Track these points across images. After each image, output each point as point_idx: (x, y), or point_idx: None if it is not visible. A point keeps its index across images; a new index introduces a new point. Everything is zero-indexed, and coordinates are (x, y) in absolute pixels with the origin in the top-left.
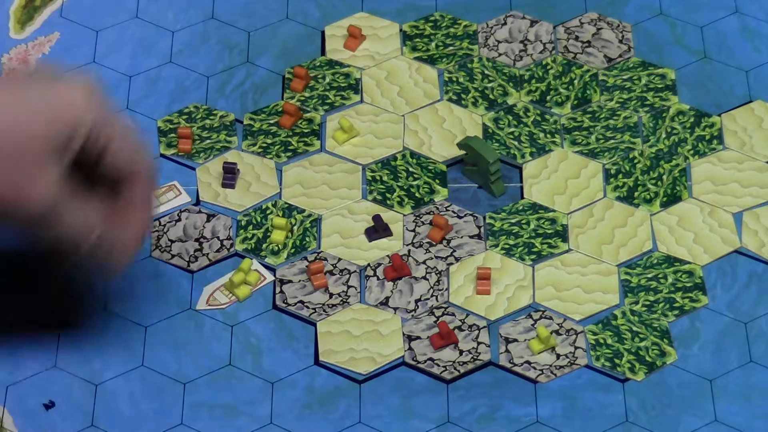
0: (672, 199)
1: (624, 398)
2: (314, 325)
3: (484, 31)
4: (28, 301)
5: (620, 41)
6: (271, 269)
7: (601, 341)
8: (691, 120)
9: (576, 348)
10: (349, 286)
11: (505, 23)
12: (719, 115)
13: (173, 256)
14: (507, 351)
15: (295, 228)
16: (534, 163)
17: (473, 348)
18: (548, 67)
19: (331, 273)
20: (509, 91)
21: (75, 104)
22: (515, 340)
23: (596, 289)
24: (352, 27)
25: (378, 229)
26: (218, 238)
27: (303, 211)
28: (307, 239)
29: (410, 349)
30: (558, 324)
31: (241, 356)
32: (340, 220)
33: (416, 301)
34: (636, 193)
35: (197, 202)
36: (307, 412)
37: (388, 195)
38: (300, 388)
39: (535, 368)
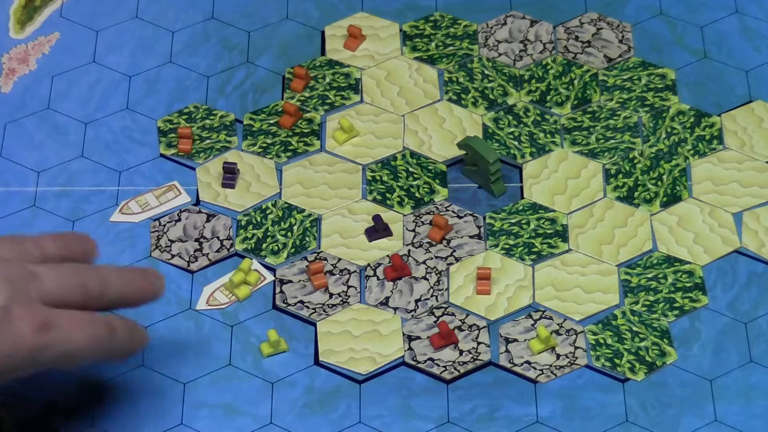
0: (672, 199)
1: (624, 398)
2: (314, 325)
3: (484, 31)
4: None
5: (620, 41)
6: (271, 269)
7: (601, 341)
8: (691, 120)
9: (576, 348)
10: (349, 286)
11: (505, 23)
12: (719, 115)
13: (173, 256)
14: (507, 351)
15: (295, 228)
16: (534, 163)
17: (473, 348)
18: (548, 67)
19: (331, 273)
20: (509, 91)
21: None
22: (515, 340)
23: (596, 289)
24: (352, 27)
25: (378, 229)
26: (218, 238)
27: (303, 211)
28: (307, 239)
29: (410, 349)
30: (558, 324)
31: (241, 356)
32: (340, 220)
33: (416, 301)
34: (636, 193)
35: (197, 202)
36: (307, 412)
37: (388, 195)
38: (300, 388)
39: (535, 368)
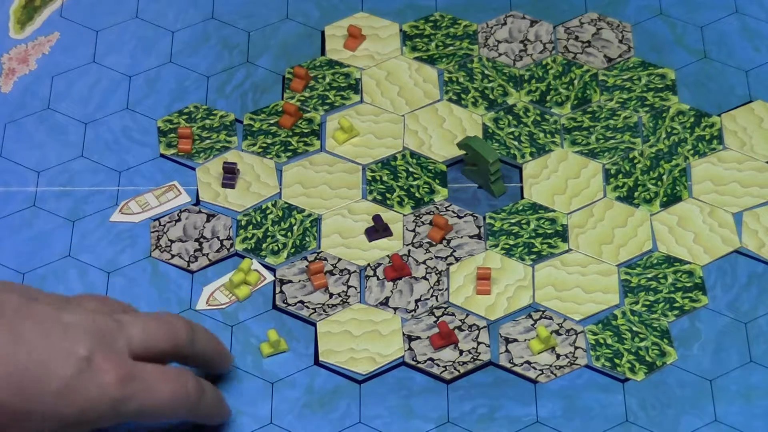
0: (672, 199)
1: (624, 398)
2: (314, 325)
3: (484, 31)
4: None
5: (620, 41)
6: (271, 269)
7: (601, 341)
8: (691, 120)
9: (576, 348)
10: (349, 286)
11: (505, 23)
12: (719, 115)
13: (173, 256)
14: (507, 351)
15: (295, 228)
16: (534, 163)
17: (473, 348)
18: (548, 67)
19: (331, 273)
20: (509, 91)
21: (103, 399)
22: (515, 340)
23: (596, 289)
24: (352, 27)
25: (378, 229)
26: (218, 238)
27: (303, 211)
28: (307, 239)
29: (410, 349)
30: (558, 324)
31: (241, 356)
32: (340, 220)
33: (416, 301)
34: (636, 193)
35: (197, 202)
36: (307, 412)
37: (388, 195)
38: (300, 388)
39: (535, 368)
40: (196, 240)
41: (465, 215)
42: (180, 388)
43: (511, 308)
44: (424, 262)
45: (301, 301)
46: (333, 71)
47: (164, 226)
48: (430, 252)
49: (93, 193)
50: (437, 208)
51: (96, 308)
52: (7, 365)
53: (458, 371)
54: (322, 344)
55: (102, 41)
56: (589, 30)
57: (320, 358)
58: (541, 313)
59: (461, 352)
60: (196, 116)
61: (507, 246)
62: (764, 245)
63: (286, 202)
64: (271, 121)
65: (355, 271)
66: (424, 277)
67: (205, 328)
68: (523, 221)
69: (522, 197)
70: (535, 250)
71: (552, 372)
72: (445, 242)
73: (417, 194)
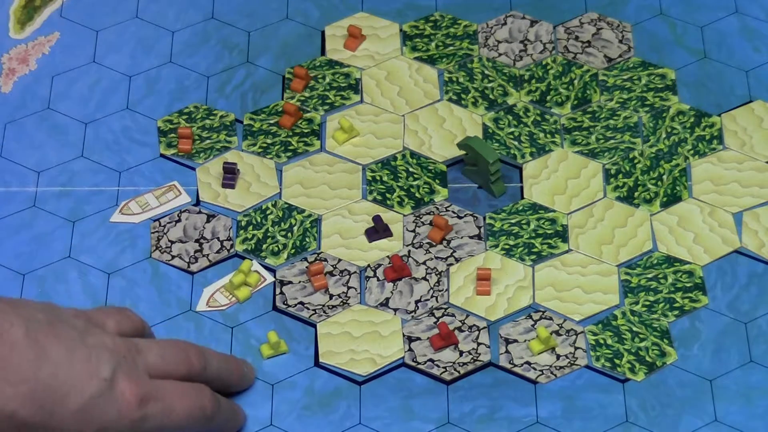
0: (672, 199)
1: (624, 398)
2: (314, 326)
3: (484, 31)
4: None
5: (620, 41)
6: (271, 270)
7: (601, 341)
8: (691, 120)
9: (576, 348)
10: (349, 287)
11: (505, 23)
12: (719, 115)
13: (173, 257)
14: (507, 352)
15: (295, 228)
16: (534, 163)
17: (473, 349)
18: (548, 67)
19: (331, 274)
20: (509, 91)
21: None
22: (515, 341)
23: (596, 290)
24: (352, 27)
25: (378, 230)
26: (218, 238)
27: (303, 211)
28: (307, 240)
29: (410, 350)
30: (558, 324)
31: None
32: (340, 220)
33: (416, 302)
34: (636, 193)
35: (197, 203)
36: (307, 414)
37: (388, 195)
38: (300, 390)
39: (535, 369)
40: (197, 241)
41: (465, 215)
42: (196, 405)
43: (511, 309)
44: (424, 263)
45: (302, 303)
46: (333, 71)
47: (164, 226)
48: (430, 252)
49: (93, 194)
50: (437, 209)
51: (117, 327)
52: (31, 382)
53: (458, 372)
54: (322, 345)
55: (102, 41)
56: (589, 30)
57: (320, 360)
58: (541, 313)
59: (461, 353)
60: (196, 116)
61: (507, 246)
62: (764, 245)
63: (286, 203)
64: (271, 121)
65: (355, 272)
66: (424, 278)
67: (219, 352)
68: (523, 221)
69: (522, 197)
70: (535, 250)
71: (552, 372)
72: (445, 243)
73: (417, 194)
